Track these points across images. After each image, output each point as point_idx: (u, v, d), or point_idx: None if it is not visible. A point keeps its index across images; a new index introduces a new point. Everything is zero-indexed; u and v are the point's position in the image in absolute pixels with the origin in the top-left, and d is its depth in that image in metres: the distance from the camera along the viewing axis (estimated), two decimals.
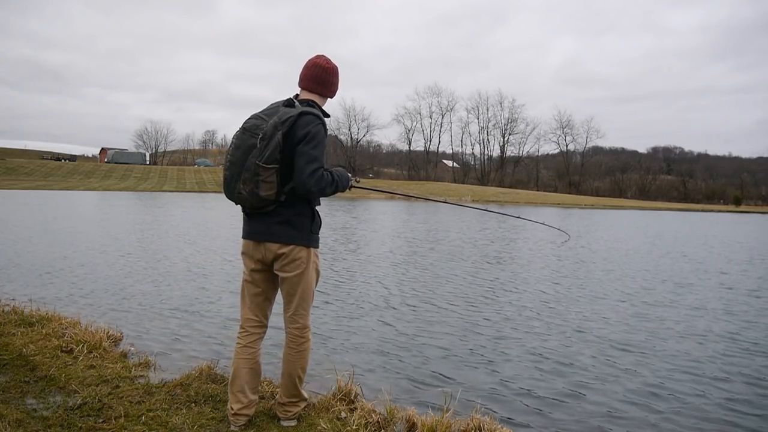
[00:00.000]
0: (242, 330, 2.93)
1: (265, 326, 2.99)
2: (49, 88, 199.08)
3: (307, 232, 2.82)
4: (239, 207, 2.85)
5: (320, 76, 2.88)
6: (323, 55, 2.94)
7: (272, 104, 2.86)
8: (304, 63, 2.93)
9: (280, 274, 2.84)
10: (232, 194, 2.77)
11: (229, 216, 21.08)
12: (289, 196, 2.73)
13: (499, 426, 3.08)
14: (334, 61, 2.94)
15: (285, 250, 2.77)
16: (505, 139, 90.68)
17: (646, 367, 4.70)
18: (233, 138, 2.77)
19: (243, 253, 2.91)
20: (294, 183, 2.69)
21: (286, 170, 2.68)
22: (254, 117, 2.77)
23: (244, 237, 2.90)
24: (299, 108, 2.72)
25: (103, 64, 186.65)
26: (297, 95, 2.90)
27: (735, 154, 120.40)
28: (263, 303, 2.95)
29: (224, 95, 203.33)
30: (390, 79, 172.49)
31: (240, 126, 2.79)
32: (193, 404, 3.17)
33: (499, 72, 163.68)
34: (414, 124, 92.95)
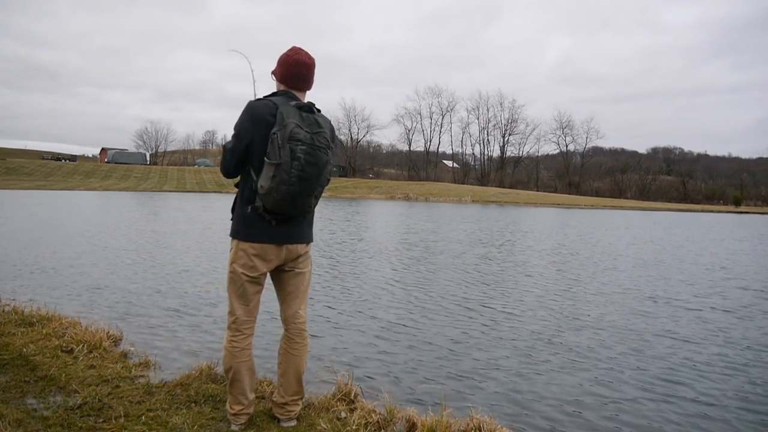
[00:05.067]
0: (239, 333, 2.85)
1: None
2: (44, 87, 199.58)
3: None
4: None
5: (307, 75, 2.83)
6: (302, 50, 2.82)
7: (281, 102, 2.67)
8: (282, 58, 2.81)
9: (297, 270, 2.91)
10: (297, 209, 2.68)
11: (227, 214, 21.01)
12: None
13: (499, 426, 3.08)
14: (312, 54, 2.86)
15: (307, 248, 2.95)
16: (505, 139, 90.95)
17: (647, 370, 4.71)
18: (300, 153, 2.56)
19: (255, 256, 2.75)
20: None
21: None
22: (308, 131, 2.61)
23: (261, 241, 2.75)
24: (325, 117, 2.78)
25: (97, 62, 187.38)
26: (288, 93, 2.77)
27: (734, 154, 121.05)
28: (259, 301, 2.96)
29: (220, 94, 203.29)
30: (385, 78, 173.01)
31: (295, 137, 2.56)
32: (193, 404, 3.17)
33: (495, 71, 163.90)
34: (414, 124, 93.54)
